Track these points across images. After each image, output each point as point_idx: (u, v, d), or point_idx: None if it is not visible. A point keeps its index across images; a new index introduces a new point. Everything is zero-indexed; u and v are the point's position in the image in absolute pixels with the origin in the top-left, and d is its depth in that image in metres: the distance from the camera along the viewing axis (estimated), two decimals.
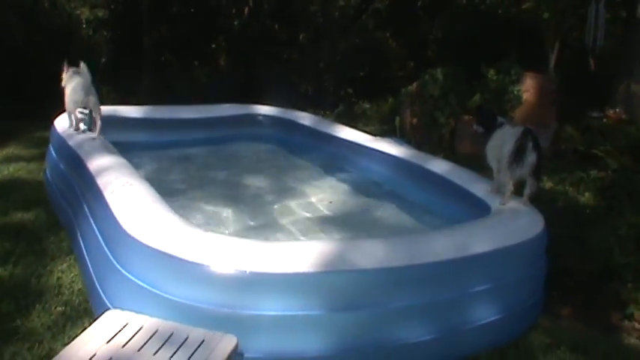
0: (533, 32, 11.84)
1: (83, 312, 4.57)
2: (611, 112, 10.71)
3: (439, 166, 6.34)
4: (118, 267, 4.15)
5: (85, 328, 3.60)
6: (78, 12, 15.43)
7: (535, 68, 10.71)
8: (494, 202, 5.13)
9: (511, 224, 4.78)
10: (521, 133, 4.90)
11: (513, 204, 5.05)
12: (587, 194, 7.64)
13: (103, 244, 4.50)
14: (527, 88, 10.12)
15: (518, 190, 5.06)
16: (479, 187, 5.55)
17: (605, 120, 10.49)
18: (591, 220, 6.57)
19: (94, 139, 6.28)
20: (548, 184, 8.04)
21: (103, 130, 6.57)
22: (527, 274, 4.67)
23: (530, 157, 4.84)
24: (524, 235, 4.62)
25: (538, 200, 5.27)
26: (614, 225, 6.16)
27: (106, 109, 7.99)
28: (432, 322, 4.12)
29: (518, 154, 4.86)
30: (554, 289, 5.20)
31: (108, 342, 3.36)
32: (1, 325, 4.33)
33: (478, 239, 4.40)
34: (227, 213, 6.16)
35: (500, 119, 5.32)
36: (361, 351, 3.93)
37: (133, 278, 4.00)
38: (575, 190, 7.82)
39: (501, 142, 5.07)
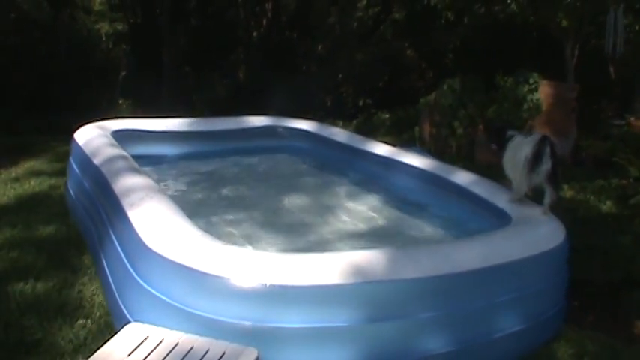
0: (552, 40, 11.78)
1: (104, 325, 4.58)
2: (632, 119, 10.63)
3: (460, 177, 6.32)
4: (139, 280, 4.16)
5: (105, 342, 3.60)
6: (98, 26, 15.56)
7: (554, 76, 10.65)
8: (514, 212, 5.11)
9: (532, 234, 4.76)
10: (538, 141, 4.93)
11: (533, 213, 5.03)
12: (608, 203, 7.59)
13: (124, 257, 4.51)
14: (546, 96, 10.07)
15: (538, 200, 5.04)
16: (498, 197, 5.52)
17: (626, 127, 10.42)
18: (613, 228, 6.52)
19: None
20: (568, 193, 7.99)
21: (124, 143, 6.61)
22: (549, 284, 4.64)
23: (546, 165, 4.85)
24: (545, 245, 4.59)
25: (559, 209, 5.24)
26: (636, 233, 6.11)
27: (128, 122, 8.09)
28: (455, 333, 4.09)
29: (533, 161, 4.88)
30: (576, 298, 5.16)
31: (129, 355, 3.36)
32: (22, 338, 4.34)
33: (499, 249, 4.38)
34: (248, 227, 6.14)
35: (510, 132, 5.37)
36: None
37: (153, 291, 4.01)
38: (596, 199, 7.76)
39: (515, 153, 5.12)
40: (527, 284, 4.43)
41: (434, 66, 15.88)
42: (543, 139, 4.93)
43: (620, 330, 5.01)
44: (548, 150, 4.86)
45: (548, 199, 4.97)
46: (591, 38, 13.07)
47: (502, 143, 5.36)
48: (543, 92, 10.07)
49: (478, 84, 10.51)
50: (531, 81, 10.06)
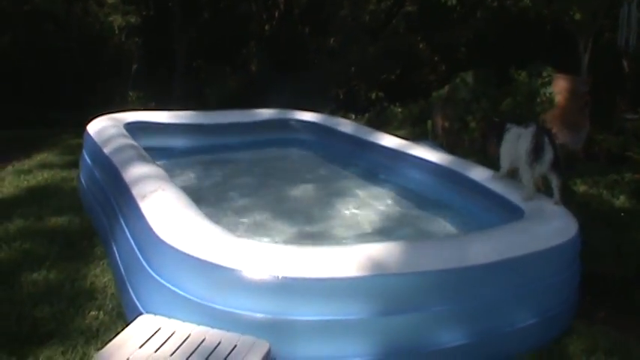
0: (565, 34, 11.72)
1: (116, 316, 4.59)
2: None
3: (473, 171, 6.29)
4: (151, 272, 4.17)
5: (118, 333, 3.62)
6: (110, 19, 15.58)
7: (567, 70, 10.59)
8: (526, 206, 5.10)
9: (545, 228, 4.75)
10: (535, 132, 5.08)
11: (546, 206, 5.02)
12: (621, 197, 7.54)
13: (136, 249, 4.52)
14: (559, 90, 10.01)
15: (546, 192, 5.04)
16: (511, 191, 5.51)
17: (639, 122, 10.36)
18: (626, 223, 6.49)
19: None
20: (581, 188, 7.95)
21: (136, 136, 6.63)
22: (561, 279, 4.62)
23: (548, 154, 5.00)
24: (557, 239, 4.58)
25: (571, 203, 5.22)
26: None
27: (140, 115, 8.10)
28: (467, 327, 4.09)
29: (535, 152, 5.02)
30: (589, 293, 5.13)
31: (141, 347, 3.38)
32: (35, 329, 4.37)
33: (512, 243, 4.37)
34: (259, 218, 6.16)
35: (507, 125, 5.60)
36: (397, 356, 3.91)
37: (165, 283, 4.01)
38: (609, 193, 7.72)
39: (512, 144, 5.39)
40: (539, 278, 4.43)
41: (447, 60, 15.83)
42: (540, 130, 5.13)
43: (632, 326, 4.97)
44: (547, 139, 5.03)
45: (556, 188, 5.08)
46: (605, 31, 13.00)
47: (501, 136, 5.59)
48: (557, 86, 10.01)
49: (491, 78, 10.46)
50: (545, 75, 10.01)
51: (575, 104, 10.03)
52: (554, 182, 5.09)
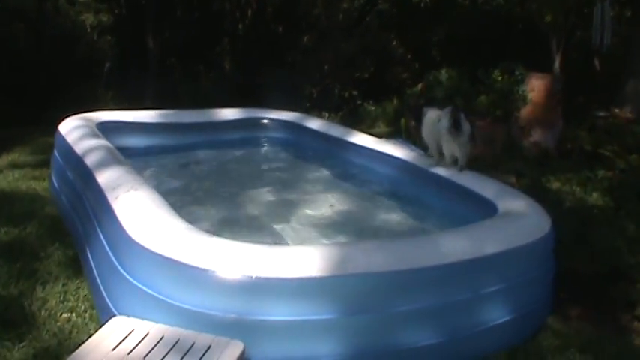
0: (538, 32, 11.80)
1: (89, 318, 4.55)
2: (618, 111, 10.67)
3: (445, 168, 6.32)
4: (124, 273, 4.13)
5: (90, 335, 3.58)
6: (82, 17, 15.44)
7: (540, 69, 10.66)
8: (500, 203, 5.12)
9: (518, 225, 4.76)
10: (451, 111, 5.93)
11: (520, 205, 5.06)
12: (594, 194, 7.59)
13: (109, 250, 4.48)
14: (533, 88, 10.07)
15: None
16: (484, 188, 5.54)
17: (611, 119, 10.45)
18: (599, 220, 6.53)
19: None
20: (555, 185, 8.00)
21: (109, 136, 6.58)
22: (535, 276, 4.65)
23: (466, 126, 5.84)
24: (531, 236, 4.59)
25: (545, 201, 5.25)
26: (622, 225, 6.12)
27: (112, 114, 8.05)
28: (439, 325, 4.09)
29: (455, 126, 5.82)
30: (562, 290, 5.16)
31: (114, 349, 3.34)
32: (6, 332, 4.29)
33: (485, 241, 4.38)
34: (231, 218, 6.14)
35: (424, 108, 6.55)
36: (369, 355, 3.90)
37: (138, 284, 3.98)
38: (582, 191, 7.77)
39: (432, 125, 6.22)
40: (513, 275, 4.44)
41: (420, 58, 15.85)
42: (456, 109, 6.03)
43: (606, 322, 5.02)
44: (462, 115, 5.89)
45: (464, 158, 5.99)
46: (577, 30, 13.11)
47: (420, 119, 6.53)
48: (530, 84, 10.07)
49: (464, 76, 10.50)
50: (517, 73, 10.07)
51: (549, 102, 10.10)
52: (463, 155, 5.98)
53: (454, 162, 6.07)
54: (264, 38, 15.49)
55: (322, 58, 15.38)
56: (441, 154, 6.20)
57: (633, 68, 11.36)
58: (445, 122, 5.89)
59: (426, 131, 6.37)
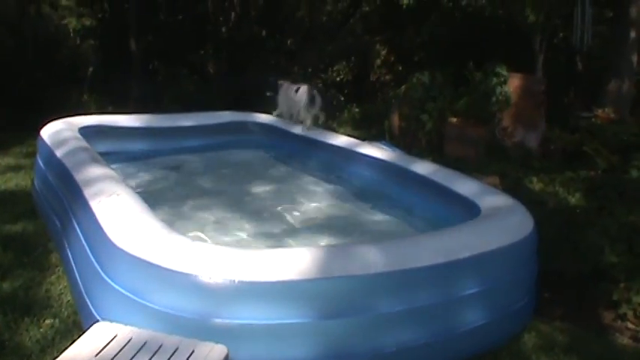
0: (520, 33, 11.84)
1: (72, 324, 4.53)
2: (600, 111, 10.72)
3: (427, 169, 6.34)
4: (106, 278, 4.11)
5: (73, 341, 3.56)
6: (65, 22, 15.37)
7: (523, 69, 10.70)
8: (483, 203, 5.14)
9: (501, 225, 4.77)
10: (308, 89, 8.35)
11: (503, 205, 5.07)
12: (577, 194, 7.63)
13: (91, 255, 4.46)
14: (515, 89, 10.12)
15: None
16: (467, 189, 5.56)
17: (594, 120, 10.50)
18: (582, 220, 6.55)
19: None
20: (537, 185, 8.04)
21: (91, 140, 6.55)
22: (518, 276, 4.65)
23: (318, 100, 8.29)
24: (514, 237, 4.60)
25: (528, 201, 5.27)
26: (604, 225, 6.14)
27: (95, 119, 8.02)
28: (423, 327, 4.09)
29: (311, 101, 8.26)
30: (546, 290, 5.19)
31: (97, 355, 3.32)
32: None
33: (468, 241, 4.38)
34: (219, 222, 6.13)
35: (280, 82, 9.01)
36: (350, 358, 3.90)
37: (121, 289, 3.97)
38: (565, 191, 7.81)
39: (286, 95, 8.78)
40: (496, 276, 4.44)
41: (403, 60, 15.88)
42: (311, 87, 8.47)
43: (589, 321, 5.04)
44: (315, 91, 8.36)
45: (308, 121, 8.31)
46: (559, 31, 13.16)
47: (276, 91, 8.94)
48: (512, 85, 10.12)
49: (447, 77, 10.54)
50: (500, 74, 10.10)
51: (531, 103, 10.14)
52: (309, 119, 8.31)
53: (309, 126, 8.28)
54: (248, 41, 15.48)
55: (306, 61, 15.39)
56: (291, 117, 8.60)
57: (615, 68, 11.43)
58: (304, 96, 8.29)
59: (282, 99, 8.84)
